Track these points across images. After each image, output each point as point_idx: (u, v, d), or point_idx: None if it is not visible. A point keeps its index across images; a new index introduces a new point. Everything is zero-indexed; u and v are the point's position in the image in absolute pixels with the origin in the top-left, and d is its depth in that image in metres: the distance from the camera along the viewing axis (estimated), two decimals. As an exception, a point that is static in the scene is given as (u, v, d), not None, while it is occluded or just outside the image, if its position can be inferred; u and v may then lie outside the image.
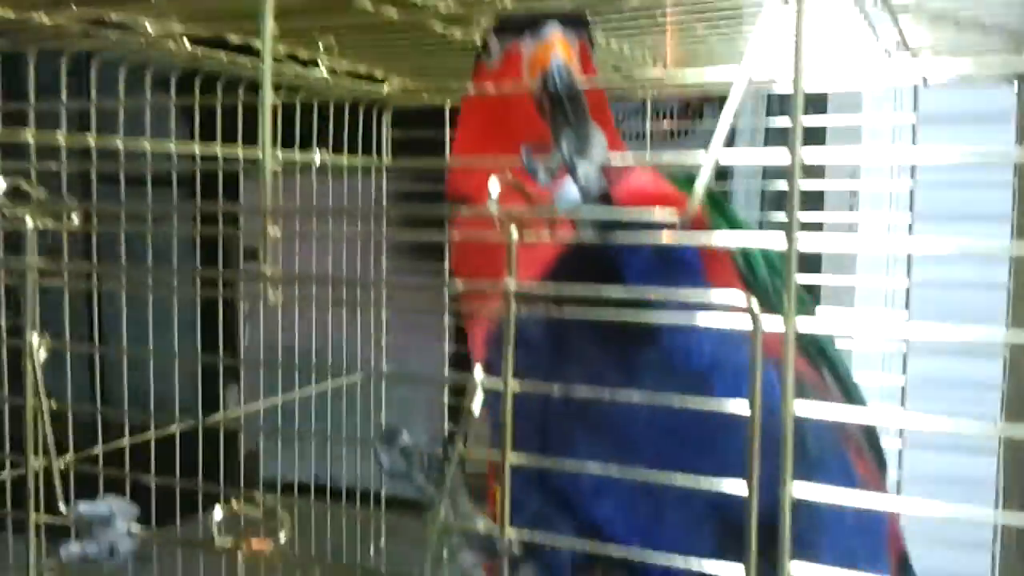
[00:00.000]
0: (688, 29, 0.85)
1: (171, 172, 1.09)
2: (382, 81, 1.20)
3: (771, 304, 0.63)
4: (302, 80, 1.10)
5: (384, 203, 1.42)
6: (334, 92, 1.21)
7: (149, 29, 0.87)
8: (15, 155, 0.91)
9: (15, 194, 0.64)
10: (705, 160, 0.44)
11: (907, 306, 1.12)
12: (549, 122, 0.55)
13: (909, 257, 1.12)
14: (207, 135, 1.11)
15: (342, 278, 1.37)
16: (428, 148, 1.48)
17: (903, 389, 1.13)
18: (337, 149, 1.29)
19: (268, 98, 0.54)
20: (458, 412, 1.64)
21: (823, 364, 0.66)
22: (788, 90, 0.43)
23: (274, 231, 0.54)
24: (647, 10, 0.74)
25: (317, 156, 1.12)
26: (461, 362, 1.30)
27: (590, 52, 0.70)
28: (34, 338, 0.61)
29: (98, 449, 1.01)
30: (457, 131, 0.76)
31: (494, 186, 0.47)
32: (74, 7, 0.76)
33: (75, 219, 0.62)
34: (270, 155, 0.54)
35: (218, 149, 1.08)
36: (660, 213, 0.44)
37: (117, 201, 1.00)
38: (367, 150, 1.34)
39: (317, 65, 1.05)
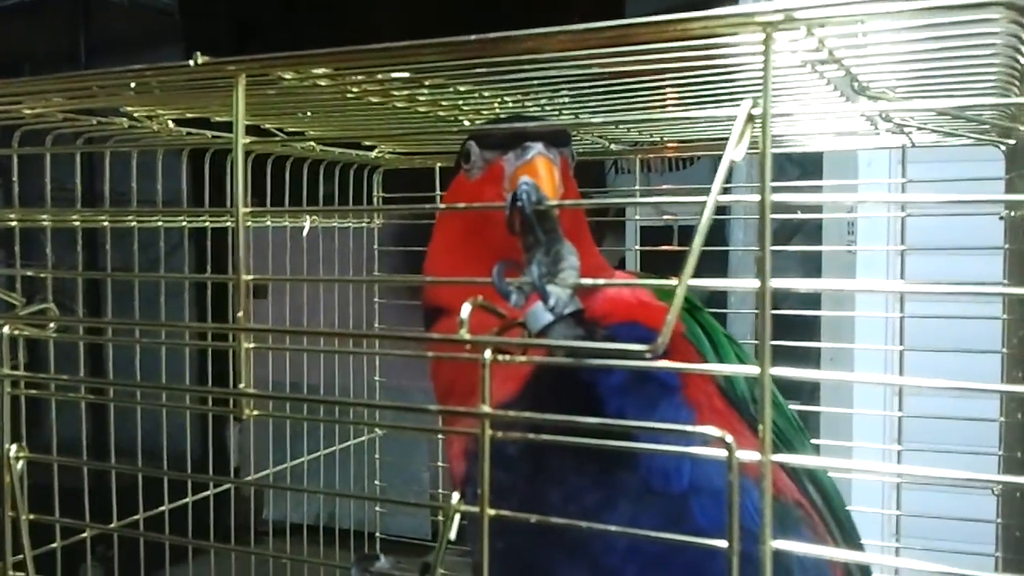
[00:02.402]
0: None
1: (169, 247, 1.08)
2: (371, 148, 1.20)
3: (752, 417, 0.62)
4: (290, 150, 1.10)
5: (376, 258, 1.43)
6: (324, 157, 1.21)
7: (132, 113, 0.87)
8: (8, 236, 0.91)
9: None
10: (679, 288, 0.43)
11: (900, 406, 1.11)
12: (521, 241, 0.54)
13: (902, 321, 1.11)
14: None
15: (335, 330, 1.37)
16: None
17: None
18: (329, 203, 1.29)
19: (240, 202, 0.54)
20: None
21: (809, 483, 0.65)
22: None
23: (248, 351, 0.54)
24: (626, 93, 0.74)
25: (307, 224, 1.12)
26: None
27: (571, 166, 0.69)
28: (12, 449, 0.61)
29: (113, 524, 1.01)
30: (432, 238, 0.76)
31: (465, 310, 0.47)
32: (56, 98, 0.75)
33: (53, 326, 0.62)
34: (244, 269, 0.54)
35: (207, 222, 1.08)
36: (633, 344, 0.43)
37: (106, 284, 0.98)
38: (359, 202, 1.34)
39: (303, 136, 1.05)
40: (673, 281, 0.43)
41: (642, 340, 0.45)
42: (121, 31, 3.03)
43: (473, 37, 0.46)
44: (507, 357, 0.48)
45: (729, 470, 0.43)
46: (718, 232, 2.49)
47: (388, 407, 0.56)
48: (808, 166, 2.12)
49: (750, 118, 0.43)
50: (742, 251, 2.24)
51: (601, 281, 0.57)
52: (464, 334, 0.47)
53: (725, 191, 1.91)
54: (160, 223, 1.04)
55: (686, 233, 2.23)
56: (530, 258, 0.54)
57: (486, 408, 0.48)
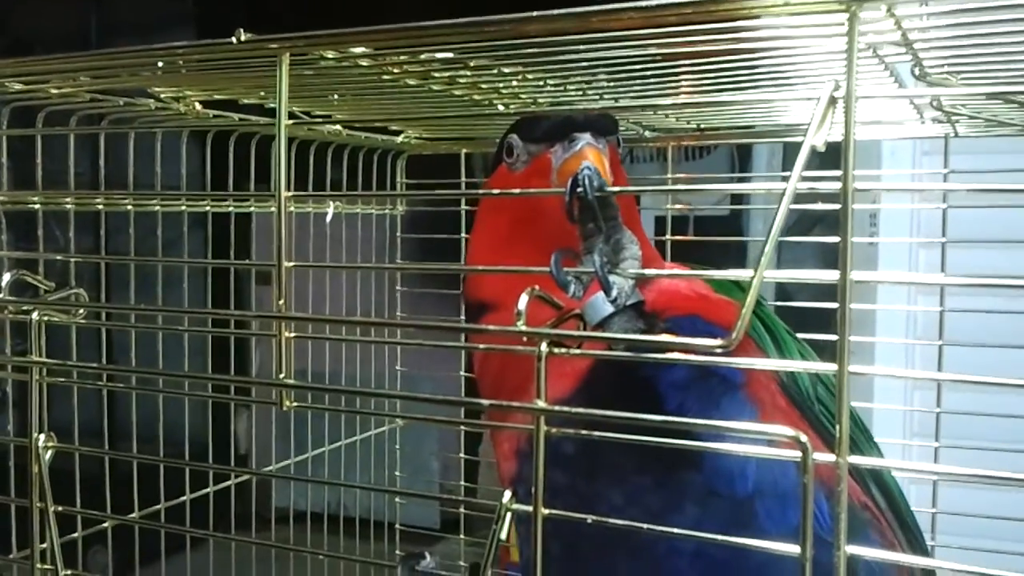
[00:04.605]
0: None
1: (183, 232, 1.06)
2: (397, 132, 1.17)
3: (816, 417, 0.60)
4: (316, 134, 1.08)
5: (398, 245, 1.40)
6: (349, 142, 1.19)
7: (159, 94, 0.85)
8: (24, 223, 0.89)
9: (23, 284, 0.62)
10: (754, 280, 0.41)
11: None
12: (579, 229, 0.52)
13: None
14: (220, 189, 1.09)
15: (357, 319, 1.35)
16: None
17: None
18: (351, 189, 1.27)
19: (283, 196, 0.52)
20: (471, 439, 1.57)
21: (874, 484, 0.62)
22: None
23: (288, 340, 0.52)
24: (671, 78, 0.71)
25: (330, 210, 1.10)
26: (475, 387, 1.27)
27: (619, 154, 0.67)
28: (40, 439, 0.59)
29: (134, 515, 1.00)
30: (474, 231, 0.73)
31: (522, 301, 0.45)
32: (83, 78, 0.73)
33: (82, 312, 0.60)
34: (286, 256, 0.52)
35: (231, 207, 1.06)
36: (701, 339, 0.41)
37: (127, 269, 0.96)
38: (382, 188, 1.31)
39: (331, 120, 1.03)
40: (747, 273, 0.41)
41: (703, 334, 0.43)
42: (133, 13, 3.01)
43: (535, 14, 0.44)
44: (564, 350, 0.46)
45: (803, 472, 0.40)
46: (735, 223, 2.45)
47: (426, 400, 0.53)
48: (827, 155, 2.08)
49: (832, 101, 0.40)
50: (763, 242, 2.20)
51: (666, 271, 0.54)
52: (521, 326, 0.44)
53: (743, 180, 1.87)
54: (184, 207, 1.01)
55: (702, 223, 2.19)
56: (590, 246, 0.51)
57: (541, 403, 0.45)
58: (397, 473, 1.40)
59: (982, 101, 0.77)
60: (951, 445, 1.07)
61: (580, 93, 0.77)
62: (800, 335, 0.80)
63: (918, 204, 1.48)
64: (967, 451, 1.06)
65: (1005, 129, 0.93)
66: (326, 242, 1.24)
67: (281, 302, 0.52)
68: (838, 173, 0.40)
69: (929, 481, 1.09)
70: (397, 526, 1.38)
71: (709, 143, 2.13)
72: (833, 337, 1.18)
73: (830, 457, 0.40)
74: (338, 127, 1.05)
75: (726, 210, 2.45)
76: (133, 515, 0.99)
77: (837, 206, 0.40)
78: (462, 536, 1.37)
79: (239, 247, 1.19)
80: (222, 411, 1.27)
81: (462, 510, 1.37)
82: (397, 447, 1.42)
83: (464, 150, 1.25)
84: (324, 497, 1.43)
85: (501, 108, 0.86)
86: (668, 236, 1.15)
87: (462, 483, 1.43)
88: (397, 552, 1.36)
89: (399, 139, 1.20)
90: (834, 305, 1.24)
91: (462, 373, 1.36)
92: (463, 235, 1.26)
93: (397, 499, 1.40)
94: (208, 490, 1.11)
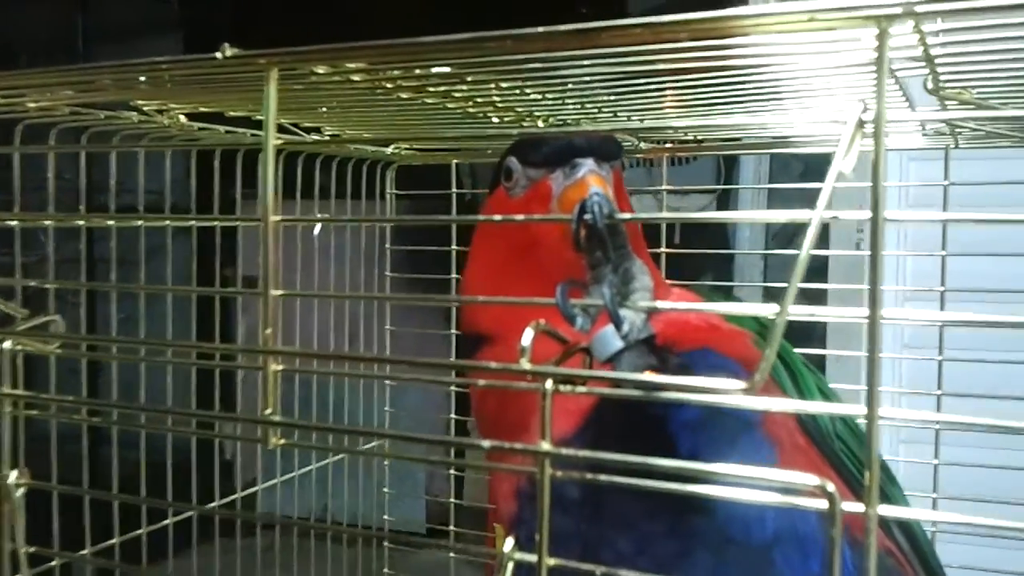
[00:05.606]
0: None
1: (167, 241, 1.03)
2: (387, 143, 1.15)
3: (835, 455, 0.57)
4: (304, 147, 1.05)
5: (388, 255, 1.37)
6: (338, 153, 1.16)
7: (142, 106, 0.82)
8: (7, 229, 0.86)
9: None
10: (778, 319, 0.38)
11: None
12: (586, 259, 0.49)
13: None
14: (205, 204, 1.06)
15: (346, 354, 1.32)
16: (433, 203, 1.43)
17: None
18: (340, 197, 1.24)
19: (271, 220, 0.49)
20: (458, 450, 1.54)
21: (896, 526, 0.60)
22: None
23: (275, 374, 0.49)
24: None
25: (318, 227, 1.07)
26: (464, 404, 1.24)
27: (622, 178, 0.64)
28: (12, 476, 0.56)
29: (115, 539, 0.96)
30: (470, 258, 0.70)
31: (527, 337, 0.42)
32: (63, 92, 0.70)
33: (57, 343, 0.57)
34: (273, 283, 0.49)
35: (217, 222, 1.02)
36: (721, 380, 0.38)
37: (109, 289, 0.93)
38: (371, 197, 1.29)
39: (320, 132, 1.00)
40: (770, 308, 0.38)
41: (715, 368, 0.41)
42: (118, 19, 2.98)
43: (538, 30, 0.41)
44: (571, 387, 0.43)
45: (831, 525, 0.38)
46: (722, 231, 2.42)
47: (419, 440, 0.51)
48: (813, 163, 2.04)
49: (860, 123, 0.38)
50: (749, 252, 2.17)
51: (680, 304, 0.52)
52: (525, 363, 0.42)
53: (727, 193, 1.83)
54: (168, 223, 0.98)
55: (688, 233, 2.15)
56: (598, 277, 0.48)
57: (546, 446, 0.43)
58: (386, 490, 1.37)
59: (989, 116, 0.75)
60: (950, 462, 1.05)
61: (578, 106, 0.74)
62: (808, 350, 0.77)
63: (914, 218, 1.45)
64: (966, 467, 1.04)
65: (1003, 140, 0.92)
66: (314, 251, 1.21)
67: (268, 332, 0.49)
68: (863, 185, 0.38)
69: (929, 496, 1.07)
70: (386, 544, 1.35)
71: (700, 153, 2.10)
72: (823, 351, 1.15)
73: (859, 507, 0.37)
74: (325, 137, 1.02)
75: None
76: (112, 540, 0.96)
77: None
78: (451, 552, 1.34)
79: (225, 251, 1.16)
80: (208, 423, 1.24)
81: (452, 527, 1.35)
82: (386, 463, 1.39)
83: (455, 161, 1.22)
84: (311, 506, 1.39)
85: (495, 120, 0.83)
86: (663, 248, 1.12)
87: (452, 499, 1.40)
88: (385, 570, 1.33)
89: (389, 150, 1.17)
90: (826, 318, 1.19)
91: (452, 388, 1.34)
92: (453, 247, 1.23)
93: (385, 517, 1.37)
94: (191, 512, 1.08)
